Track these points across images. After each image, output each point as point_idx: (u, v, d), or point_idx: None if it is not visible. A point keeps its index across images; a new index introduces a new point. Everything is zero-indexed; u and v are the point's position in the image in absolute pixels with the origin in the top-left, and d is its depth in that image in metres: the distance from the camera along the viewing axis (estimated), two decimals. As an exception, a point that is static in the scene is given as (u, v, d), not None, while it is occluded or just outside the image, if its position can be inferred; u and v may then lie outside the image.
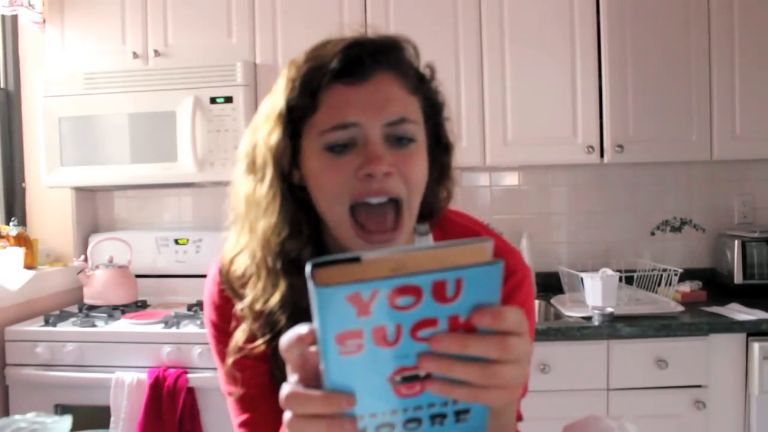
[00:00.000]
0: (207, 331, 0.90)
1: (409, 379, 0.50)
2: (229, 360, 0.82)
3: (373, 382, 0.49)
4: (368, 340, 0.47)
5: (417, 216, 0.83)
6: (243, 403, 0.85)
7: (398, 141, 0.74)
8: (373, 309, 0.45)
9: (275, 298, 0.77)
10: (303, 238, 0.78)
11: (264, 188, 0.77)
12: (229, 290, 0.84)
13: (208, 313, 0.89)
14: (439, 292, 0.47)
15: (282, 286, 0.77)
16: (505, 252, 0.84)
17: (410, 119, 0.75)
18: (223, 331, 0.85)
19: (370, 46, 0.74)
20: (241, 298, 0.81)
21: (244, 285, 0.81)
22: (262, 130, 0.78)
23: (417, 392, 0.50)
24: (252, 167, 0.78)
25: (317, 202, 0.76)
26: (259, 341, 0.79)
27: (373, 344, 0.47)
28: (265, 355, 0.81)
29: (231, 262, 0.83)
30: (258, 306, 0.79)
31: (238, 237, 0.81)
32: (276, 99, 0.77)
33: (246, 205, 0.79)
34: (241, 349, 0.81)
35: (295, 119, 0.75)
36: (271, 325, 0.79)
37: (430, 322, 0.48)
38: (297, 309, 0.77)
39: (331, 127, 0.73)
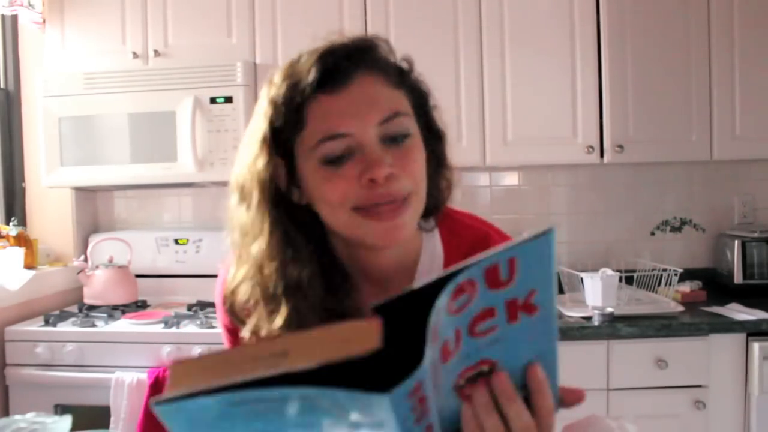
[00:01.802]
0: (220, 332, 0.91)
1: (473, 379, 0.49)
2: None
3: (442, 403, 0.47)
4: (436, 370, 0.45)
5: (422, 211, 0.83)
6: None
7: (394, 139, 0.73)
8: (440, 332, 0.44)
9: (278, 323, 0.76)
10: (303, 259, 0.77)
11: (252, 214, 0.76)
12: (235, 320, 0.83)
13: (220, 316, 0.89)
14: (493, 278, 0.45)
15: (284, 310, 0.76)
16: None
17: (402, 112, 0.74)
18: (236, 335, 0.85)
19: (344, 51, 0.73)
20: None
21: (249, 313, 0.80)
22: (248, 156, 0.77)
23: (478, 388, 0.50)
24: (242, 195, 0.77)
25: (322, 214, 0.76)
26: None
27: (440, 365, 0.45)
28: None
29: (233, 293, 0.82)
30: (262, 333, 0.78)
31: (237, 267, 0.80)
32: (258, 122, 0.76)
33: (240, 235, 0.78)
34: None
35: (285, 139, 0.74)
36: None
37: (488, 313, 0.47)
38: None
39: (321, 139, 0.71)
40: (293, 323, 0.76)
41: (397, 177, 0.72)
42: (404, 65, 0.80)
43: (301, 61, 0.74)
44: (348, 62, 0.73)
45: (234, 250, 0.80)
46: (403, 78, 0.78)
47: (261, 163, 0.75)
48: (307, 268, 0.77)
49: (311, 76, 0.71)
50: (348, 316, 0.80)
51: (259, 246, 0.76)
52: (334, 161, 0.72)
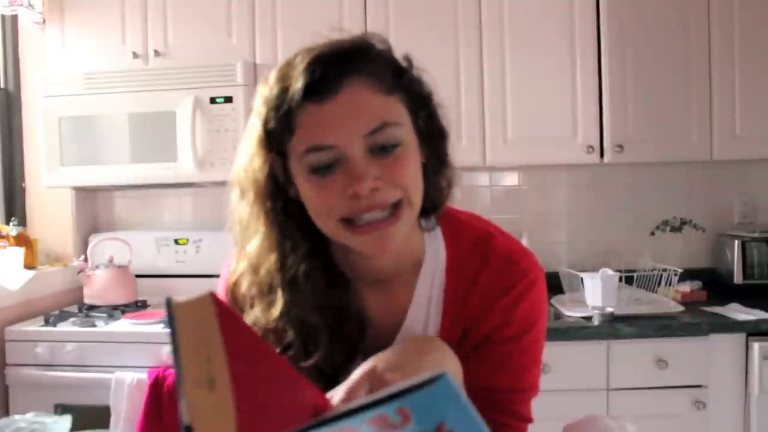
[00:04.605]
0: None
1: None
2: None
3: None
4: None
5: (420, 211, 0.82)
6: None
7: (382, 149, 0.72)
8: None
9: (274, 315, 0.79)
10: (300, 254, 0.78)
11: (250, 210, 0.78)
12: (238, 311, 0.84)
13: None
14: (382, 423, 0.45)
15: (279, 303, 0.78)
16: (517, 253, 0.84)
17: (391, 122, 0.73)
18: None
19: (332, 58, 0.72)
20: None
21: (251, 304, 0.82)
22: (246, 154, 0.78)
23: None
24: (241, 192, 0.80)
25: (312, 217, 0.77)
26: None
27: None
28: None
29: (235, 284, 0.84)
30: (261, 324, 0.80)
31: (239, 260, 0.83)
32: (254, 121, 0.77)
33: (241, 229, 0.81)
34: None
35: (277, 140, 0.75)
36: (280, 341, 0.80)
37: None
38: (302, 325, 0.79)
39: (307, 149, 0.72)
40: (292, 316, 0.78)
41: (382, 189, 0.72)
42: (403, 64, 0.78)
43: (295, 62, 0.74)
44: (336, 70, 0.71)
45: (235, 243, 0.82)
46: (398, 80, 0.76)
47: (257, 162, 0.76)
48: (305, 264, 0.78)
49: (298, 84, 0.71)
50: (349, 317, 0.81)
51: (257, 241, 0.79)
52: (320, 170, 0.72)
